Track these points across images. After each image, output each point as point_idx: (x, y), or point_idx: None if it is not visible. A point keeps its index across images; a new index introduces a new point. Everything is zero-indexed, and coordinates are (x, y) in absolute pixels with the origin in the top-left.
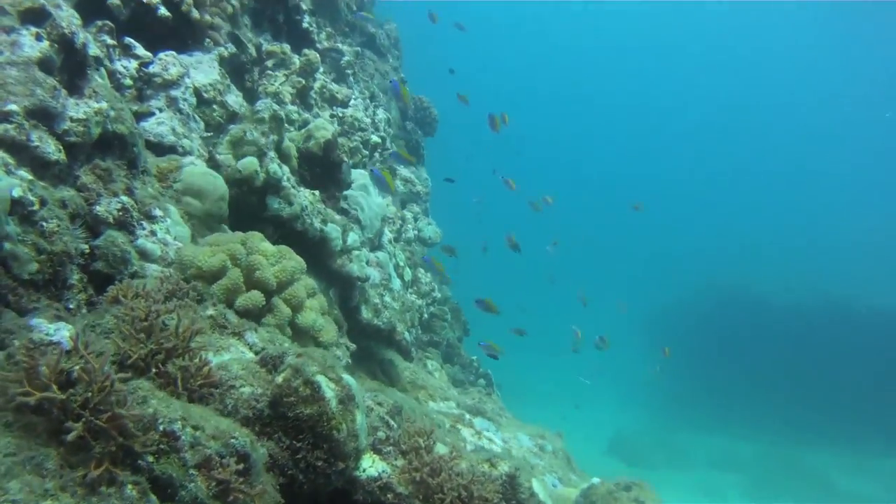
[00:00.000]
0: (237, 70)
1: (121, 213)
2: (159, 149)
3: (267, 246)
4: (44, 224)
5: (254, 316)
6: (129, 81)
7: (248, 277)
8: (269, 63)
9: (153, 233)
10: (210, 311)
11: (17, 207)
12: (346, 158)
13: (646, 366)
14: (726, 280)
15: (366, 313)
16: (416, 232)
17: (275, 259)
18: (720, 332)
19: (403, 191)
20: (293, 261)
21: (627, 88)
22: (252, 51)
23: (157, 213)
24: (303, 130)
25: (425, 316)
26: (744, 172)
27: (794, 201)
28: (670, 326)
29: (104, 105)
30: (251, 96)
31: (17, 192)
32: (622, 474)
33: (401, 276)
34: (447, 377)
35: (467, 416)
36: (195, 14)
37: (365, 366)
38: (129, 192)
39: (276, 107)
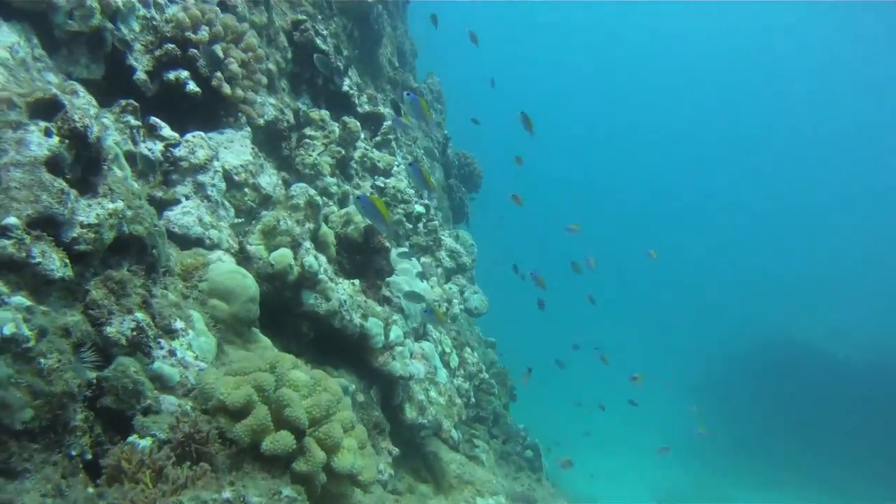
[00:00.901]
0: (274, 137)
1: (135, 334)
2: (185, 241)
3: (298, 376)
4: (42, 361)
5: (283, 460)
6: (153, 164)
7: (276, 415)
8: (308, 131)
9: (172, 352)
10: (227, 495)
11: (10, 345)
12: (388, 244)
13: (694, 421)
14: (782, 330)
15: (410, 412)
16: (461, 306)
17: (308, 390)
18: (775, 386)
19: (449, 265)
20: (328, 393)
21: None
22: (290, 117)
23: (178, 325)
24: (341, 212)
25: (472, 400)
26: (801, 216)
27: (858, 244)
28: (722, 379)
29: (119, 205)
30: (288, 164)
31: (8, 330)
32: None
33: (447, 364)
34: (494, 454)
35: None
36: (226, 89)
37: (408, 463)
38: (146, 305)
39: (311, 192)
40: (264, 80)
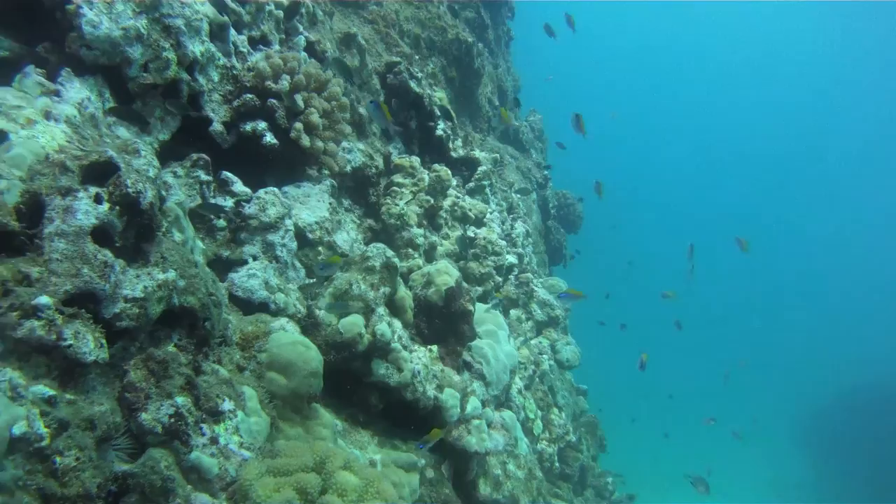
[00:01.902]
0: (361, 184)
1: (173, 421)
2: (248, 306)
3: (347, 479)
4: (58, 459)
5: None
6: (222, 223)
7: None
8: (396, 178)
9: (215, 439)
10: None
11: (21, 444)
12: (470, 307)
13: (794, 467)
14: (881, 371)
15: (484, 488)
16: (551, 361)
17: (356, 495)
18: (874, 430)
19: (541, 317)
20: (378, 500)
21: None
22: (379, 162)
23: (227, 406)
24: (422, 273)
25: (556, 465)
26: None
27: None
28: (820, 424)
29: (171, 276)
30: (375, 212)
31: (19, 429)
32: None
33: (529, 431)
34: None
35: None
36: (305, 141)
37: None
38: (190, 386)
39: (389, 253)
40: (348, 129)
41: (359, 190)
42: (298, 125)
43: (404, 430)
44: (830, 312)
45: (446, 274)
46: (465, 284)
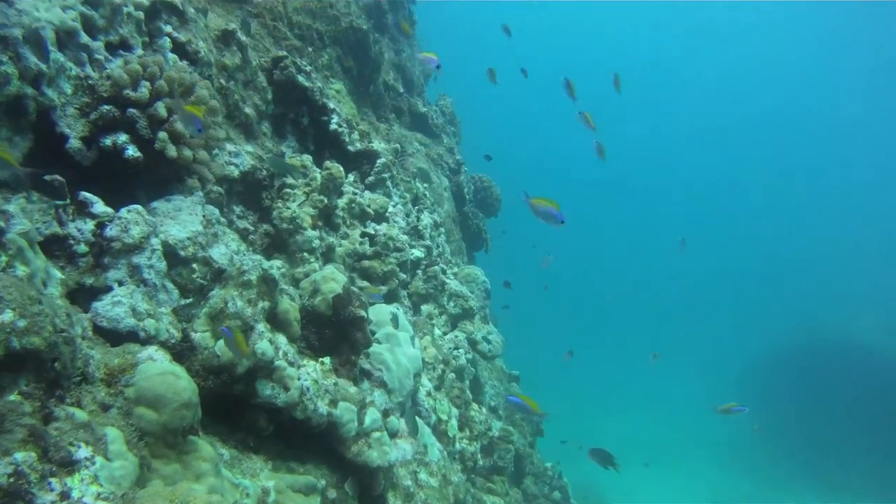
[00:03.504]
0: (253, 188)
1: (12, 481)
2: (115, 336)
3: None
4: None
5: None
6: (83, 248)
7: None
8: (288, 180)
9: (66, 494)
10: None
11: None
12: (363, 313)
13: (740, 424)
14: (829, 328)
15: (394, 502)
16: (468, 355)
17: None
18: (823, 387)
19: (455, 311)
20: None
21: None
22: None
23: (83, 454)
24: (308, 281)
25: (480, 463)
26: (848, 207)
27: None
28: (766, 381)
29: (7, 317)
30: (269, 216)
31: None
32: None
33: (444, 434)
34: None
35: None
36: (171, 151)
37: None
38: (35, 438)
39: (265, 265)
40: (222, 133)
41: (250, 194)
42: (163, 135)
43: (300, 451)
44: (767, 268)
45: (332, 280)
46: (354, 289)
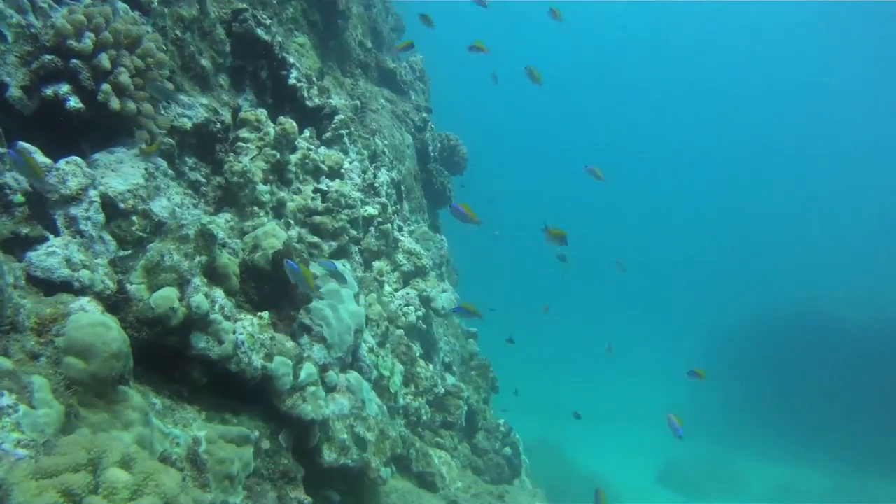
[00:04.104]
0: (207, 141)
1: None
2: (50, 286)
3: (117, 476)
4: None
5: None
6: (20, 198)
7: None
8: (242, 133)
9: None
10: None
11: None
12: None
13: (703, 389)
14: (792, 297)
15: (329, 454)
16: (419, 313)
17: (129, 493)
18: (783, 353)
19: (409, 268)
20: (153, 496)
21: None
22: (226, 117)
23: (6, 401)
24: (249, 237)
25: (424, 418)
26: (812, 181)
27: (866, 208)
28: (729, 347)
29: None
30: (222, 168)
31: None
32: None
33: (385, 389)
34: (460, 464)
35: None
36: (114, 104)
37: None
38: None
39: (204, 220)
40: (169, 86)
41: (203, 147)
42: (106, 87)
43: (235, 403)
44: (739, 239)
45: (273, 237)
46: (296, 246)
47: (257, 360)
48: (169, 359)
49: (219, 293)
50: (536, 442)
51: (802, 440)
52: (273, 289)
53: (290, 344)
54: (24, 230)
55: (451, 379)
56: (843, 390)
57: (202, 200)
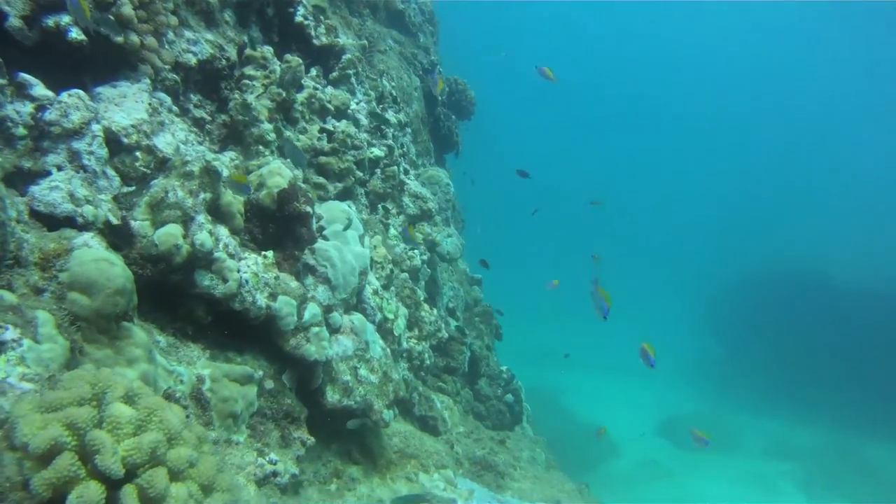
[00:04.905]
0: (211, 77)
1: None
2: (53, 221)
3: (121, 411)
4: None
5: None
6: (22, 131)
7: (87, 462)
8: (247, 70)
9: None
10: None
11: None
12: (308, 209)
13: (701, 344)
14: (789, 257)
15: (332, 395)
16: (424, 257)
17: (133, 427)
18: (780, 312)
19: (414, 211)
20: (156, 431)
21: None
22: (231, 54)
23: (10, 335)
24: (254, 175)
25: (427, 362)
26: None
27: (866, 170)
28: (727, 304)
29: None
30: (227, 106)
31: None
32: (670, 456)
33: (389, 332)
34: (462, 409)
35: (459, 501)
36: (117, 36)
37: (339, 446)
38: None
39: (209, 156)
40: (174, 20)
41: (209, 84)
42: (109, 18)
43: (240, 342)
44: (742, 200)
45: (278, 175)
46: (301, 185)
47: (261, 300)
48: (174, 297)
49: (223, 231)
50: (535, 391)
51: (797, 398)
52: (278, 228)
53: (294, 284)
54: (27, 164)
55: (454, 324)
56: (839, 350)
57: (207, 138)
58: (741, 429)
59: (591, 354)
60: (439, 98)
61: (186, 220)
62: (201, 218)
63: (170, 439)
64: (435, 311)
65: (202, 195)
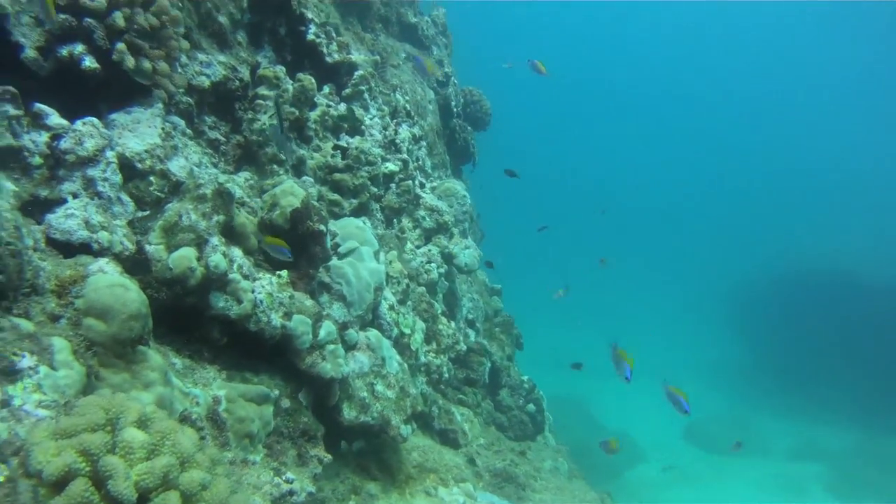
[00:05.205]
0: (225, 99)
1: None
2: (69, 248)
3: (134, 436)
4: None
5: None
6: (38, 160)
7: (100, 487)
8: (260, 90)
9: (7, 401)
10: None
11: None
12: (322, 228)
13: (727, 345)
14: (811, 255)
15: (349, 412)
16: (441, 270)
17: (145, 452)
18: (803, 311)
19: (430, 225)
20: (168, 455)
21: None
22: (245, 74)
23: (26, 363)
24: (267, 195)
25: (446, 376)
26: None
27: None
28: (749, 304)
29: None
30: (241, 127)
31: None
32: (696, 460)
33: (406, 347)
34: (483, 420)
35: None
36: (129, 63)
37: (359, 462)
38: None
39: (221, 178)
40: (185, 44)
41: (223, 105)
42: (121, 45)
43: (256, 363)
44: (756, 196)
45: (291, 195)
46: (314, 204)
47: (276, 319)
48: (189, 319)
49: (237, 252)
50: (561, 399)
51: (823, 398)
52: (292, 247)
53: (309, 302)
54: (44, 193)
55: (473, 336)
56: (864, 348)
57: (222, 159)
58: (767, 431)
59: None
60: (454, 109)
61: (200, 243)
62: (215, 240)
63: (182, 462)
64: (453, 323)
65: (215, 217)
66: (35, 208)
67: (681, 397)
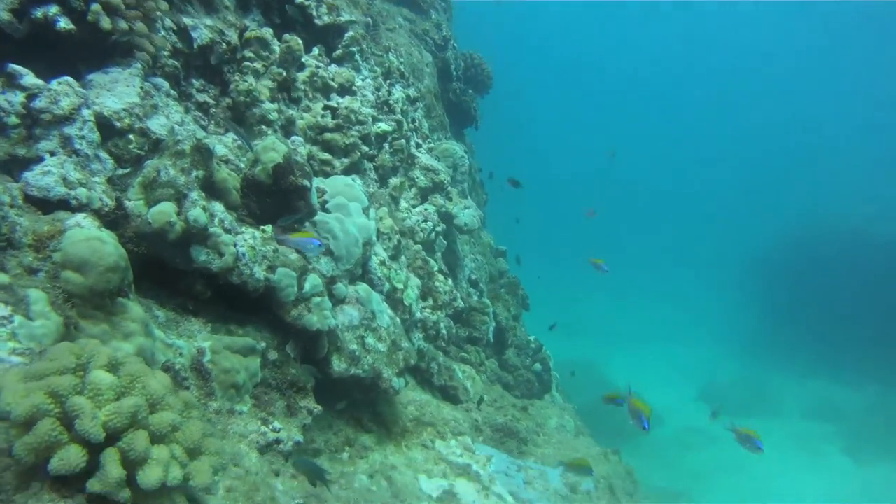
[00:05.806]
0: (213, 61)
1: None
2: (47, 205)
3: (101, 378)
4: None
5: (78, 479)
6: (14, 119)
7: (68, 427)
8: (248, 53)
9: None
10: None
11: None
12: (305, 182)
13: (741, 308)
14: (824, 214)
15: (338, 364)
16: (438, 229)
17: (114, 393)
18: (818, 270)
19: (425, 184)
20: (137, 397)
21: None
22: (232, 37)
23: (1, 312)
24: (250, 154)
25: (444, 332)
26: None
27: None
28: (764, 266)
29: None
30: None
31: None
32: (712, 423)
33: (399, 302)
34: (487, 379)
35: (474, 466)
36: (105, 23)
37: (349, 412)
38: None
39: (200, 135)
40: (164, 5)
41: (211, 68)
42: (95, 7)
43: (241, 315)
44: (770, 162)
45: (273, 150)
46: (297, 159)
47: (259, 272)
48: (174, 274)
49: (218, 207)
50: (574, 363)
51: (839, 358)
52: (275, 202)
53: (294, 256)
54: (21, 151)
55: (476, 296)
56: (880, 307)
57: (212, 122)
58: (783, 392)
59: (629, 325)
60: (454, 73)
61: (180, 198)
62: (194, 195)
63: (152, 404)
64: (450, 280)
65: (194, 172)
66: (14, 167)
67: (641, 412)
